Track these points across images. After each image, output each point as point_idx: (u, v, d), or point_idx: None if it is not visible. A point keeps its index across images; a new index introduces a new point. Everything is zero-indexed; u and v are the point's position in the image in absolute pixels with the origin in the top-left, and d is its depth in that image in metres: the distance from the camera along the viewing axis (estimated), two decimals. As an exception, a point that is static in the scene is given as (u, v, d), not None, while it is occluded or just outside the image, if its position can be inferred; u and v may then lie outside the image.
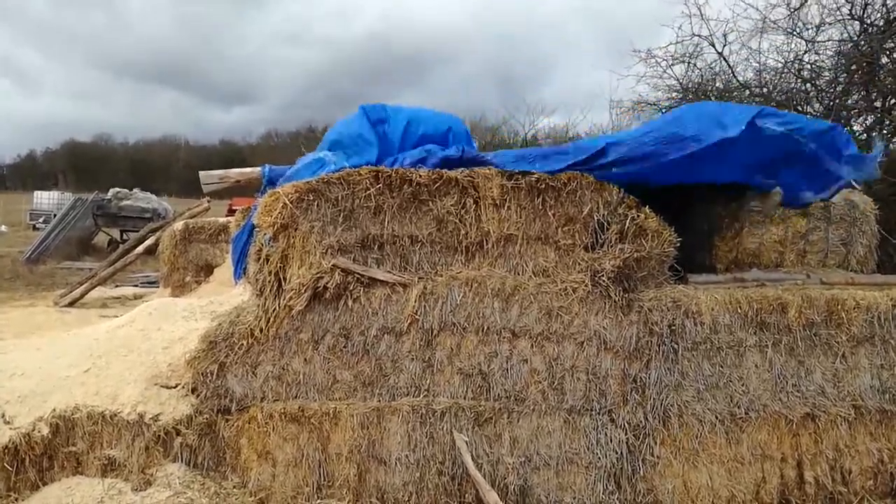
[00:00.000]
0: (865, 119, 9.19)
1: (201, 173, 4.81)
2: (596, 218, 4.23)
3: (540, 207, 4.26)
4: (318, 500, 4.15)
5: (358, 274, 4.17)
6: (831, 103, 9.03)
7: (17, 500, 4.05)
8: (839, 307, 4.21)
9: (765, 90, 9.94)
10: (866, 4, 8.48)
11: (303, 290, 4.14)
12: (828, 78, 9.30)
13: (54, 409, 4.24)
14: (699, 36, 10.00)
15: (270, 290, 4.24)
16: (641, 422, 4.16)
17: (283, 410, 4.20)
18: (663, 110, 10.87)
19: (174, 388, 4.39)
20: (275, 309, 4.21)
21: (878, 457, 4.29)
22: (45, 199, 29.09)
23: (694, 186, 4.64)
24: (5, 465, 4.06)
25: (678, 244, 4.24)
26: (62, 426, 4.21)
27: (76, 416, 4.22)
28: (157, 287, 12.01)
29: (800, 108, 9.48)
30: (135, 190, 22.27)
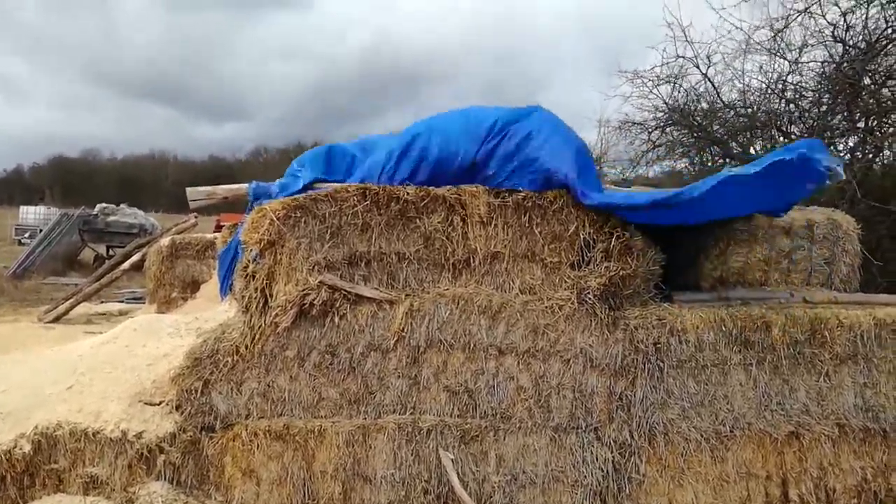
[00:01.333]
0: (848, 139, 9.31)
1: (188, 189, 4.81)
2: (582, 236, 4.24)
3: (527, 225, 4.28)
4: (303, 519, 4.12)
5: (345, 291, 4.17)
6: (814, 123, 9.15)
7: (-4, 518, 4.00)
8: (823, 326, 4.24)
9: (749, 110, 10.06)
10: (848, 27, 8.61)
11: (289, 307, 4.13)
12: (811, 99, 9.42)
13: (36, 426, 4.19)
14: (683, 57, 10.13)
15: (256, 307, 4.23)
16: (627, 440, 4.16)
17: (267, 428, 4.17)
18: (649, 130, 10.98)
19: (158, 405, 4.36)
20: (261, 326, 4.20)
21: (861, 475, 4.31)
22: (31, 213, 28.91)
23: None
24: (-15, 482, 4.01)
25: (664, 263, 4.27)
26: (44, 443, 4.17)
27: (58, 433, 4.18)
28: (143, 303, 11.94)
29: (784, 129, 9.60)
30: (121, 205, 22.20)
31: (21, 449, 4.10)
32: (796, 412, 4.27)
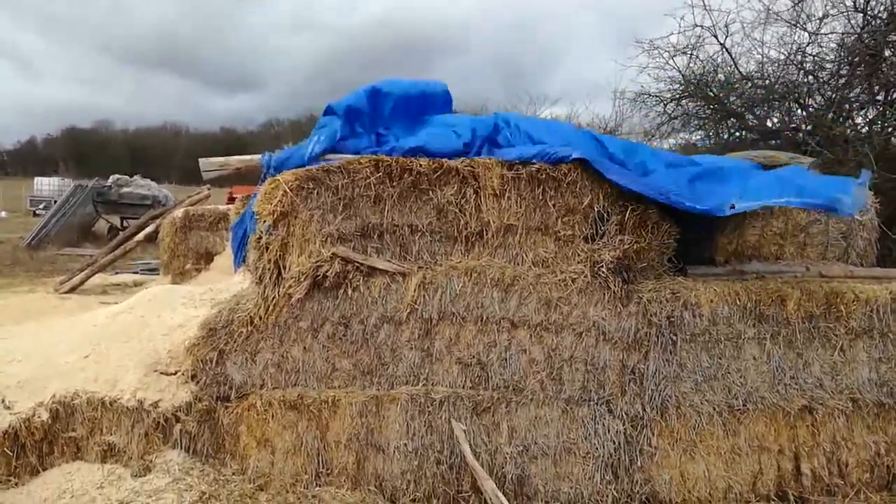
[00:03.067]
0: (867, 112, 9.15)
1: (201, 160, 4.79)
2: (596, 209, 4.22)
3: (540, 198, 4.25)
4: (317, 488, 4.17)
5: (357, 263, 4.18)
6: (833, 96, 8.99)
7: (17, 484, 4.07)
8: (838, 300, 4.22)
9: (767, 82, 9.90)
10: (870, -4, 8.42)
11: (302, 279, 4.14)
12: (830, 70, 9.25)
13: (54, 395, 4.25)
14: (701, 27, 9.95)
15: (270, 278, 4.24)
16: (639, 413, 4.17)
17: (282, 398, 4.21)
18: (665, 102, 10.83)
19: (174, 374, 4.40)
20: (274, 297, 4.21)
21: (874, 450, 4.31)
22: (46, 185, 29.11)
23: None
24: (5, 450, 4.08)
25: (678, 236, 4.24)
26: (62, 412, 4.23)
27: (76, 401, 4.24)
28: (158, 274, 12.02)
29: (801, 100, 9.45)
30: (135, 177, 22.24)
31: (39, 417, 4.16)
32: (810, 386, 4.26)
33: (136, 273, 13.50)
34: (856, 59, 8.67)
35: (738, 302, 4.17)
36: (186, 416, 4.25)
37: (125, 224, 19.03)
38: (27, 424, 4.13)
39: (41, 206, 25.95)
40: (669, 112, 10.90)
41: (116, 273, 13.17)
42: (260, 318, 4.23)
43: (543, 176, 4.21)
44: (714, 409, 4.18)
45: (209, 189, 12.01)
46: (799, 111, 9.61)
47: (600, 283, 4.14)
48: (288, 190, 4.11)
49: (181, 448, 4.25)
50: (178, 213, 11.06)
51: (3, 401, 4.25)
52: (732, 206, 3.86)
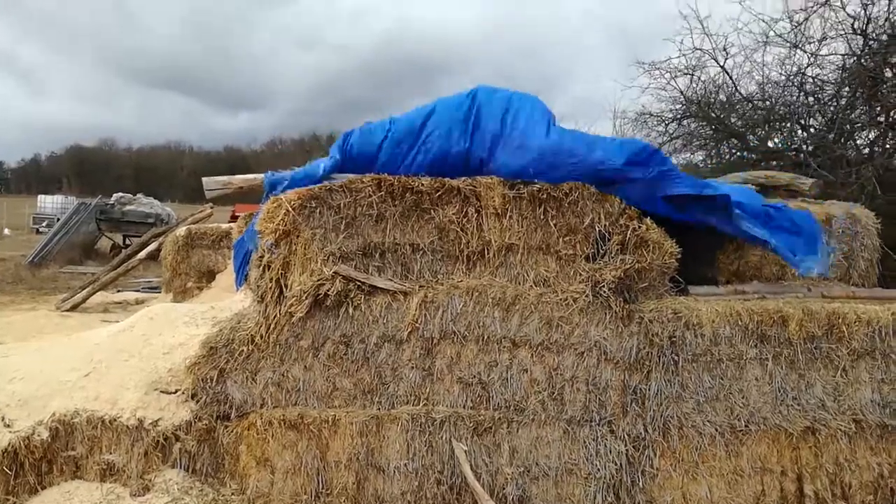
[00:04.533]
0: (868, 133, 9.19)
1: (204, 179, 4.82)
2: (597, 228, 4.23)
3: (541, 217, 4.26)
4: (317, 508, 4.14)
5: (359, 281, 4.18)
6: (834, 117, 9.04)
7: (15, 503, 4.05)
8: (840, 321, 4.21)
9: (767, 103, 9.95)
10: (869, 19, 8.49)
11: (304, 297, 4.14)
12: (831, 92, 9.31)
13: (54, 413, 4.24)
14: (701, 50, 10.05)
15: (271, 297, 4.24)
16: (641, 433, 4.15)
17: (282, 417, 4.20)
18: (666, 122, 10.89)
19: (174, 393, 4.39)
20: (275, 315, 4.21)
21: (878, 471, 4.28)
22: (49, 203, 29.24)
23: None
24: (4, 468, 4.05)
25: (679, 256, 4.25)
26: (62, 430, 4.21)
27: (76, 420, 4.23)
28: (159, 292, 12.04)
29: (802, 121, 9.50)
30: (138, 195, 22.35)
31: (39, 436, 4.15)
32: (812, 407, 4.24)
33: (138, 291, 13.51)
34: (856, 81, 8.72)
35: (739, 322, 4.16)
36: (186, 436, 4.23)
37: (128, 242, 19.08)
38: (27, 443, 4.11)
39: (44, 224, 26.07)
40: (671, 132, 10.96)
41: (118, 291, 13.18)
42: (261, 336, 4.22)
43: (545, 195, 4.22)
44: (716, 430, 4.16)
45: (212, 207, 12.06)
46: (800, 132, 9.66)
47: (602, 302, 4.14)
48: (290, 209, 4.13)
49: (180, 467, 4.23)
50: (181, 231, 11.10)
51: (2, 419, 4.24)
52: None
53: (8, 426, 4.19)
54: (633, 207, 4.22)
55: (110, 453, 4.22)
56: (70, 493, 4.09)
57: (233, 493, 4.18)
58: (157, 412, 4.28)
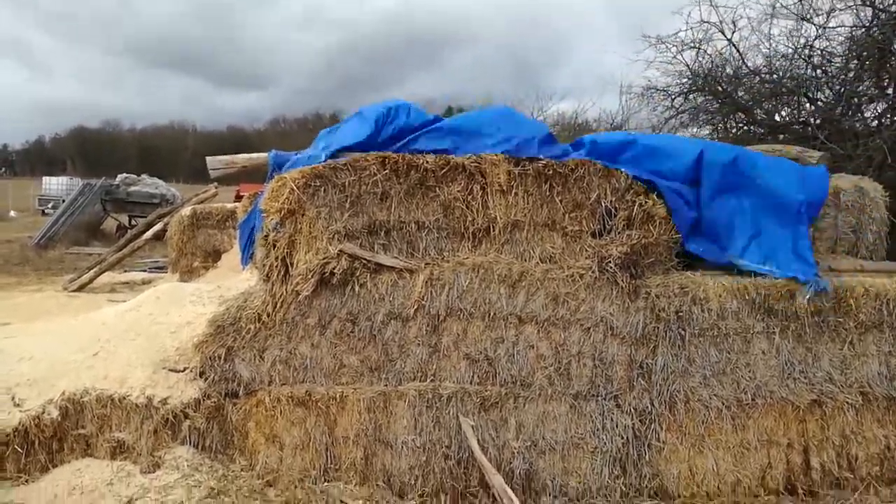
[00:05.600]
0: (877, 106, 9.09)
1: (208, 159, 4.82)
2: (603, 204, 4.22)
3: (547, 194, 4.25)
4: (325, 483, 4.18)
5: (365, 259, 4.18)
6: (842, 90, 8.94)
7: (27, 481, 4.09)
8: (848, 294, 4.20)
9: (774, 76, 9.84)
10: (878, -10, 8.36)
11: (310, 276, 4.15)
12: (838, 64, 9.19)
13: (63, 392, 4.27)
14: (708, 22, 9.91)
15: (277, 276, 4.25)
16: (647, 407, 4.17)
17: (290, 394, 4.22)
18: (673, 96, 10.79)
19: (182, 371, 4.42)
20: (282, 294, 4.22)
21: (884, 443, 4.29)
22: (54, 184, 29.22)
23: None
24: (16, 447, 4.10)
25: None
26: (71, 409, 4.25)
27: (85, 399, 4.26)
28: (166, 272, 12.04)
29: (810, 94, 9.40)
30: (143, 175, 22.35)
31: (49, 415, 4.18)
32: (819, 380, 4.24)
33: (145, 271, 13.54)
34: (864, 53, 8.61)
35: (746, 296, 4.15)
36: (195, 413, 4.26)
37: (133, 222, 19.10)
38: (37, 422, 4.15)
39: (50, 206, 26.08)
40: (677, 106, 10.85)
41: (125, 271, 13.21)
42: (268, 315, 4.23)
43: (550, 172, 4.21)
44: (723, 404, 4.17)
45: (216, 187, 12.03)
46: (808, 105, 9.56)
47: (608, 278, 4.13)
48: (295, 187, 4.12)
49: (190, 444, 4.27)
50: (186, 211, 11.07)
51: (13, 398, 4.27)
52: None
53: (18, 405, 4.23)
54: (639, 183, 4.20)
55: (120, 431, 4.26)
56: (81, 470, 4.12)
57: (242, 470, 4.22)
58: (166, 390, 4.31)
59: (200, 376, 4.34)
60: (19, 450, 4.11)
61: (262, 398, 4.25)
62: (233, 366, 4.29)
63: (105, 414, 4.26)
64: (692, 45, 10.22)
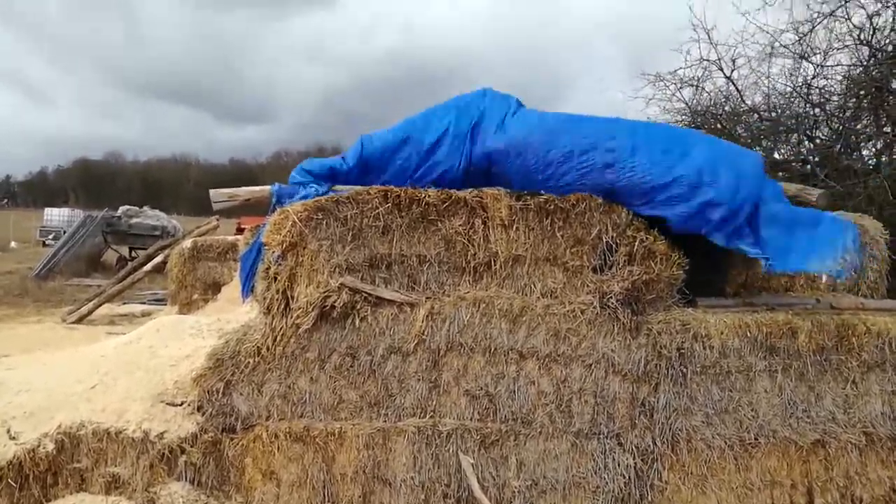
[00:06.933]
0: (875, 144, 9.17)
1: (212, 192, 4.83)
2: (605, 240, 4.22)
3: (548, 228, 4.25)
4: (322, 522, 4.11)
5: (366, 293, 4.17)
6: (840, 128, 9.02)
7: (20, 516, 4.03)
8: (849, 332, 4.18)
9: (773, 114, 9.95)
10: (875, 30, 8.49)
11: (310, 309, 4.13)
12: (837, 103, 9.30)
13: (60, 426, 4.23)
14: (707, 60, 10.05)
15: (278, 309, 4.24)
16: (650, 446, 4.12)
17: (288, 430, 4.18)
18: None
19: (180, 405, 4.37)
20: (282, 327, 4.20)
21: (889, 485, 4.23)
22: (56, 215, 29.36)
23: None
24: (10, 481, 4.05)
25: (687, 267, 4.23)
26: (67, 442, 4.20)
27: (81, 432, 4.21)
28: (165, 305, 12.03)
29: (809, 133, 9.49)
30: (144, 207, 22.44)
31: (44, 448, 4.14)
32: (822, 420, 4.20)
33: (144, 303, 13.53)
34: (862, 92, 8.71)
35: (748, 334, 4.13)
36: (192, 448, 4.21)
37: (134, 254, 19.13)
38: (32, 455, 4.10)
39: (51, 237, 26.16)
40: (676, 144, 10.91)
41: (124, 303, 13.20)
42: (267, 348, 4.21)
43: (551, 206, 4.22)
44: (725, 443, 4.12)
45: (218, 220, 12.09)
46: (806, 143, 9.64)
47: (609, 314, 4.12)
48: (297, 220, 4.13)
49: (186, 480, 4.21)
50: (187, 243, 11.11)
51: (8, 431, 4.23)
52: None
53: (14, 438, 4.18)
54: (640, 219, 4.20)
55: (115, 466, 4.21)
56: (75, 505, 4.07)
57: (238, 506, 4.16)
58: (163, 424, 4.26)
59: (198, 410, 4.30)
60: (13, 484, 4.05)
61: (259, 433, 4.20)
62: (231, 400, 4.26)
63: (101, 448, 4.21)
64: (691, 82, 10.35)
